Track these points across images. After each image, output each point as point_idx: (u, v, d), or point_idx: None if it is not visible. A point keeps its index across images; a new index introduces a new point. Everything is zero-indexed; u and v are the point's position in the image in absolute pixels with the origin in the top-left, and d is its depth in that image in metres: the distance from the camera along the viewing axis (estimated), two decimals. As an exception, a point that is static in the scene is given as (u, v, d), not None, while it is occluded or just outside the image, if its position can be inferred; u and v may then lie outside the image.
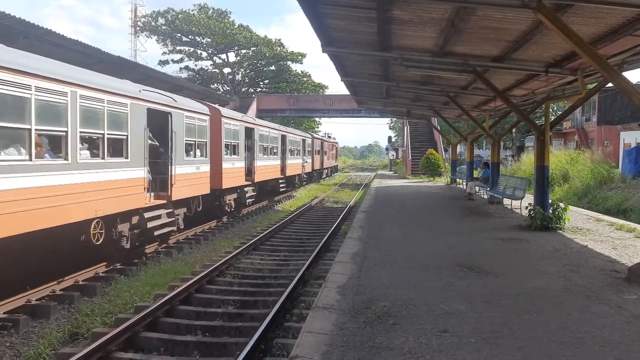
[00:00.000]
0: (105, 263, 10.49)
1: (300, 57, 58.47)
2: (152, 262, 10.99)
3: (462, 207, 16.45)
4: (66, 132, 8.61)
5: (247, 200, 19.76)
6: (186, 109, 13.66)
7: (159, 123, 12.34)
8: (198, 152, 14.70)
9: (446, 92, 16.46)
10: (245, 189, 19.48)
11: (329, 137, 54.46)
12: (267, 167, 23.05)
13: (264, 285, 9.33)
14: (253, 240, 12.79)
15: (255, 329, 6.49)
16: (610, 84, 11.70)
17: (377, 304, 5.95)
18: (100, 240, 9.85)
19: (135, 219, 11.19)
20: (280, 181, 26.47)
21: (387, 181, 32.18)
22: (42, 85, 7.97)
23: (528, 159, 30.11)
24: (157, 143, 12.52)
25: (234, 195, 18.43)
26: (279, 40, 57.61)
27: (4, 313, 7.48)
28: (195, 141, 14.34)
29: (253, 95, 53.96)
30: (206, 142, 15.21)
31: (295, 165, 30.58)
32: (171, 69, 63.95)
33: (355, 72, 15.38)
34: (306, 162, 34.72)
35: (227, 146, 17.18)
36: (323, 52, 11.26)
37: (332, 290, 6.58)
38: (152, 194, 12.05)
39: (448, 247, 9.57)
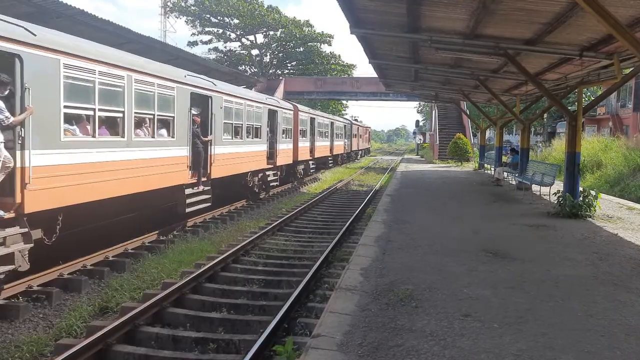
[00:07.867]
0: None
1: (328, 39, 58.03)
2: (180, 240, 11.23)
3: (489, 193, 16.25)
4: (241, 124, 15.78)
5: (310, 170, 28.03)
6: (283, 107, 21.40)
7: (269, 116, 19.04)
8: (287, 135, 21.90)
9: (476, 75, 16.13)
10: (309, 162, 27.69)
11: (356, 120, 54.30)
12: (321, 147, 30.82)
13: (288, 265, 9.45)
14: (278, 222, 12.92)
15: (278, 308, 6.60)
16: (648, 69, 11.29)
17: (399, 287, 5.97)
18: (251, 185, 17.12)
19: (260, 175, 18.10)
20: (329, 158, 34.90)
21: (413, 165, 31.93)
22: (228, 99, 14.66)
23: (559, 145, 29.43)
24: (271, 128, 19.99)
25: (302, 166, 26.06)
26: (307, 21, 57.19)
27: (37, 286, 7.76)
28: (286, 128, 21.70)
29: (280, 77, 53.79)
30: (291, 128, 22.88)
31: (339, 146, 38.52)
32: (200, 50, 64.51)
33: (384, 54, 15.17)
34: (346, 143, 42.33)
35: (300, 131, 24.46)
36: (351, 33, 11.10)
37: (356, 272, 6.62)
38: (268, 160, 18.79)
39: (473, 232, 9.49)
